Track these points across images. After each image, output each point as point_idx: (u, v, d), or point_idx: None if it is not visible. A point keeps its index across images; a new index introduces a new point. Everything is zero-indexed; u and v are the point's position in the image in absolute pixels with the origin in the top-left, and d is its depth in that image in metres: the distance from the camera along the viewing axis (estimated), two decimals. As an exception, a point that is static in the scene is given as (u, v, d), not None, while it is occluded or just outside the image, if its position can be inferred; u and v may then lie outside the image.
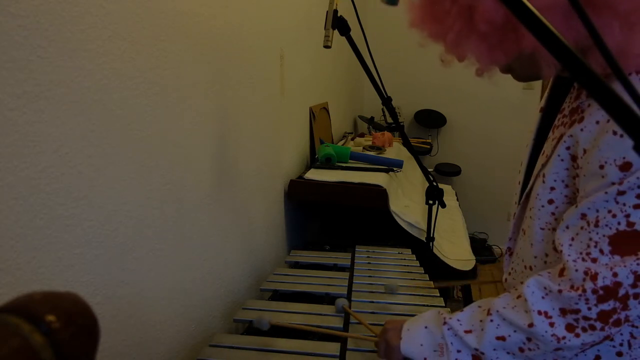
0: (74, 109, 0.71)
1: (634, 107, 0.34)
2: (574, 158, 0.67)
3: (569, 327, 0.63)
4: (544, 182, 0.71)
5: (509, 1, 0.36)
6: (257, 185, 1.53)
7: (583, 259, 0.62)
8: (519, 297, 0.68)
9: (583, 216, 0.64)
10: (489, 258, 3.75)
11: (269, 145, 1.64)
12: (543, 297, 0.65)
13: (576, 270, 0.62)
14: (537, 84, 3.66)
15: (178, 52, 1.00)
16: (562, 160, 0.69)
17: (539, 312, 0.64)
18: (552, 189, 0.70)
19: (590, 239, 0.62)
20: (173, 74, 0.98)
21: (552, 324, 0.63)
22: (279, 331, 1.07)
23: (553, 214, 0.71)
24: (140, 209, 0.90)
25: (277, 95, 1.69)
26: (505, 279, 0.85)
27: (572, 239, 0.64)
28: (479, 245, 3.79)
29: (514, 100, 3.75)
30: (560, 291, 0.63)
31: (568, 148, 0.67)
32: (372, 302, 1.21)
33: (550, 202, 0.71)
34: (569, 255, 0.64)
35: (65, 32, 0.68)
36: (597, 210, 0.62)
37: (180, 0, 0.99)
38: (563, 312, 0.63)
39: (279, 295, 1.29)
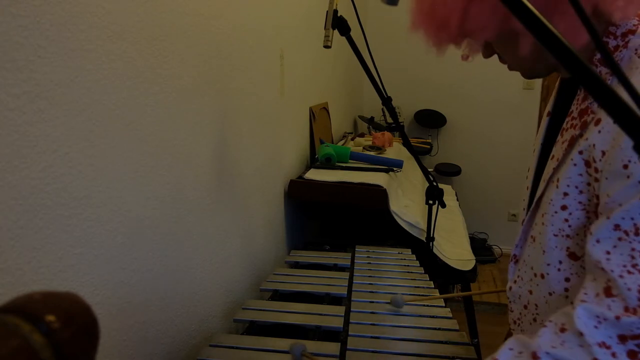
0: (74, 109, 0.71)
1: (633, 105, 0.34)
2: (587, 163, 0.65)
3: (631, 354, 0.56)
4: (557, 187, 0.69)
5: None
6: (257, 185, 1.53)
7: (629, 272, 0.57)
8: (563, 330, 0.60)
9: (617, 227, 0.59)
10: (489, 258, 3.75)
11: (269, 145, 1.64)
12: (596, 327, 0.58)
13: (628, 289, 0.56)
14: (537, 84, 3.66)
15: (178, 52, 1.00)
16: (575, 165, 0.66)
17: (599, 345, 0.57)
18: (566, 194, 0.68)
19: (634, 249, 0.57)
20: (173, 74, 0.98)
21: (613, 354, 0.56)
22: (279, 331, 1.07)
23: (566, 220, 0.69)
24: (140, 209, 0.90)
25: (277, 95, 1.69)
26: (510, 287, 0.83)
27: (608, 253, 0.59)
28: (479, 245, 3.79)
29: (514, 100, 3.75)
30: (617, 317, 0.56)
31: (581, 152, 0.65)
32: (372, 302, 1.20)
33: (564, 208, 0.69)
34: (612, 270, 0.58)
35: (65, 32, 0.68)
36: (633, 218, 0.57)
37: (180, 0, 0.99)
38: (622, 339, 0.57)
39: (279, 295, 1.29)
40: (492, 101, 3.79)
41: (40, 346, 0.29)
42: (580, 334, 0.58)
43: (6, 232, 0.61)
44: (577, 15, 0.34)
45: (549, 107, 0.84)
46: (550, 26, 0.35)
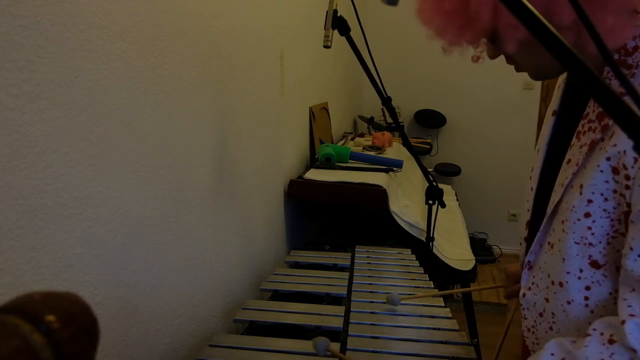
0: (74, 109, 0.71)
1: (633, 106, 0.34)
2: (615, 170, 0.63)
3: None
4: (580, 193, 0.66)
5: None
6: (257, 185, 1.53)
7: None
8: (611, 342, 0.60)
9: None
10: (489, 258, 3.75)
11: (269, 145, 1.64)
12: None
13: None
14: (537, 84, 3.66)
15: (178, 52, 1.00)
16: (601, 171, 0.64)
17: None
18: (590, 201, 0.66)
19: None
20: (173, 74, 0.98)
21: None
22: (279, 331, 1.07)
23: (590, 228, 0.66)
24: (140, 209, 0.90)
25: (277, 95, 1.69)
26: (524, 294, 0.80)
27: None
28: (479, 245, 3.79)
29: (514, 100, 3.75)
30: None
31: (609, 159, 0.63)
32: (372, 302, 1.20)
33: (587, 215, 0.66)
34: None
35: (65, 32, 0.68)
36: None
37: (180, 0, 0.99)
38: None
39: (279, 295, 1.29)
40: (492, 101, 3.79)
41: (40, 346, 0.29)
42: (633, 351, 0.57)
43: (6, 232, 0.61)
44: (587, 30, 0.34)
45: (553, 106, 0.82)
46: (552, 28, 0.35)
